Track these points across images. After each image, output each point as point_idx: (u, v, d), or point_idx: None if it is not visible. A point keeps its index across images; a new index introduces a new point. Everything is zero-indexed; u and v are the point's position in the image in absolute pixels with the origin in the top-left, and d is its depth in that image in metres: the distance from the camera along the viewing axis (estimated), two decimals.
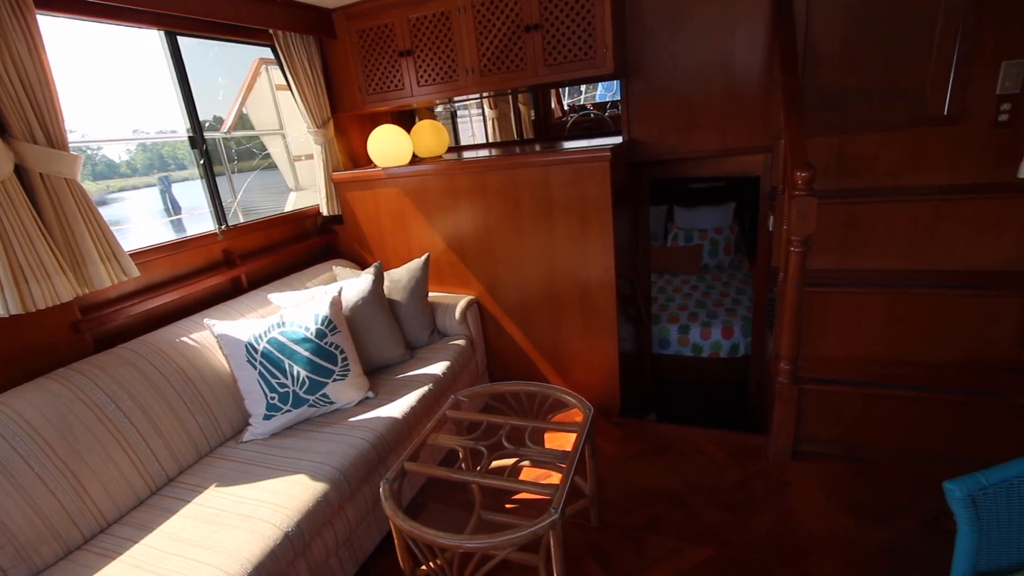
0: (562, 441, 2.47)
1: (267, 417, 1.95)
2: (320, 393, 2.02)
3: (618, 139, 2.78)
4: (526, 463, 2.14)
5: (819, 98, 2.46)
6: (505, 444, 1.74)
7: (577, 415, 1.96)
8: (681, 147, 2.76)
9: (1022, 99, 2.13)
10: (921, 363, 2.19)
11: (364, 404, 2.12)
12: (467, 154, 3.11)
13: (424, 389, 2.21)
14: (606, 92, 5.55)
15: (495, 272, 2.74)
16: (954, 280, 2.14)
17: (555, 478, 2.20)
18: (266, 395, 1.94)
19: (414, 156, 3.04)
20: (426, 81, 2.68)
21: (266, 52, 2.72)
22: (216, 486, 1.71)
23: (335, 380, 2.05)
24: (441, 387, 2.32)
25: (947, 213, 2.19)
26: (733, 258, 5.03)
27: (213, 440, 1.94)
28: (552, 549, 1.45)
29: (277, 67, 2.73)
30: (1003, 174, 2.19)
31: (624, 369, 2.73)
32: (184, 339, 2.00)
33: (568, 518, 2.00)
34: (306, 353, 2.00)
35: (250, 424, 1.97)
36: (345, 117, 3.08)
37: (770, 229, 2.62)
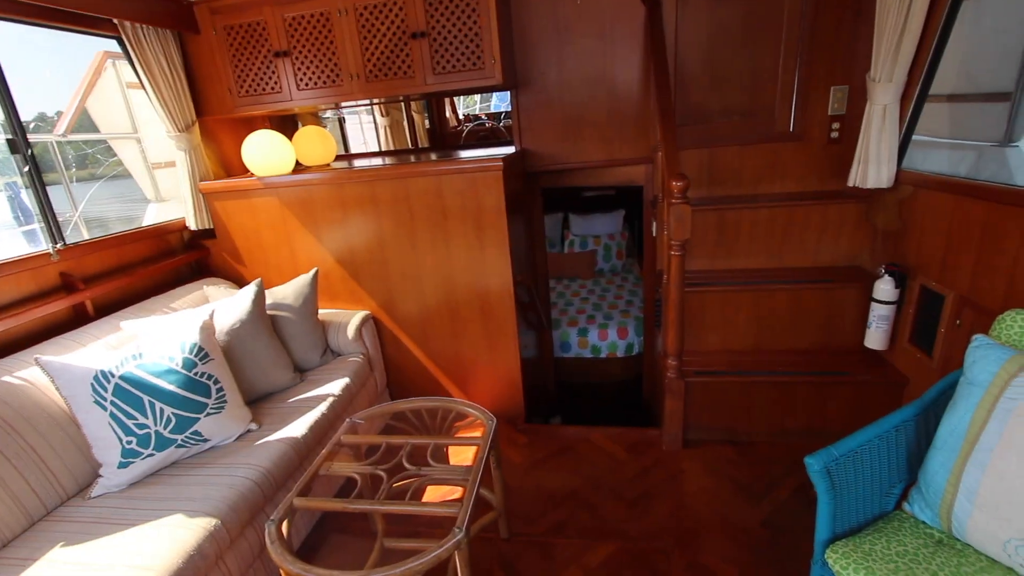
0: (467, 455, 2.42)
1: (123, 465, 1.67)
2: (191, 431, 1.78)
3: (511, 149, 2.81)
4: (430, 483, 2.06)
5: (690, 114, 2.69)
6: (406, 465, 1.66)
7: (480, 427, 1.93)
8: (570, 157, 2.86)
9: (847, 119, 2.49)
10: (785, 350, 2.46)
11: (246, 438, 1.90)
12: (358, 163, 2.96)
13: (316, 415, 2.04)
14: (500, 103, 5.65)
15: (391, 285, 2.63)
16: (806, 276, 2.44)
17: (460, 494, 2.15)
18: (120, 440, 1.67)
19: (298, 164, 2.84)
20: (306, 85, 2.51)
21: (112, 44, 2.38)
22: (55, 554, 1.42)
23: (209, 414, 1.82)
24: (336, 410, 2.16)
25: (798, 217, 2.49)
26: (625, 262, 5.34)
27: (50, 500, 1.62)
28: (459, 570, 1.39)
29: (127, 62, 2.40)
30: (837, 183, 2.55)
31: (527, 376, 2.76)
32: (5, 380, 1.66)
33: (477, 533, 1.95)
34: (172, 387, 1.76)
35: (100, 476, 1.68)
36: (214, 121, 2.79)
37: (654, 235, 2.80)
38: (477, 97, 6.21)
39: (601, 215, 5.40)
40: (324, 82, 2.50)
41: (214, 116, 2.71)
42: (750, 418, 2.36)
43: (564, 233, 5.49)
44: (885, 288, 2.14)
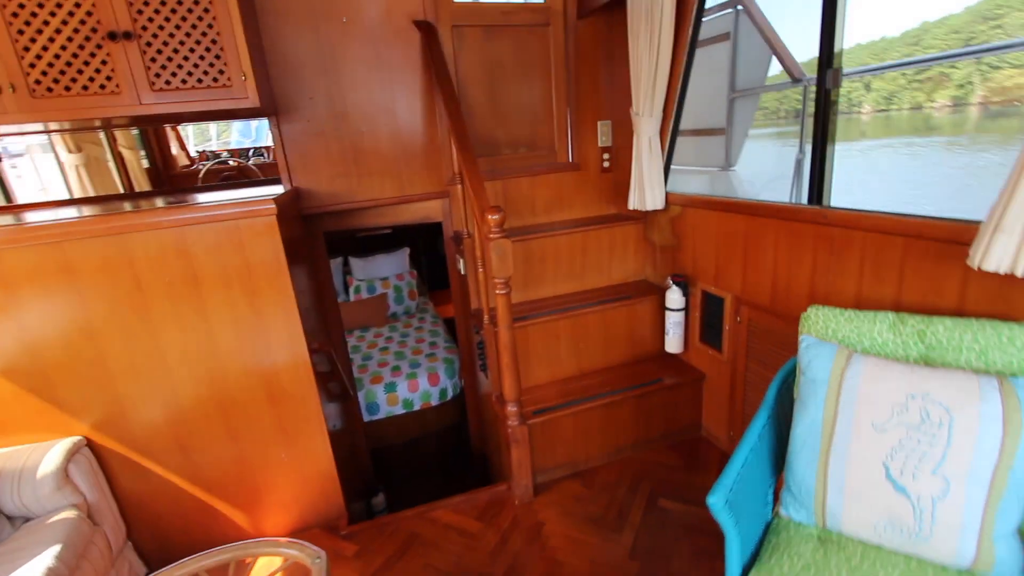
0: None
1: None
2: None
3: (279, 188, 2.28)
4: None
5: (479, 146, 2.61)
6: None
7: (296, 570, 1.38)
8: (356, 195, 2.48)
9: (615, 150, 2.75)
10: (602, 369, 2.52)
11: None
12: (33, 216, 1.98)
13: None
14: (244, 137, 4.80)
15: (115, 389, 1.79)
16: (608, 295, 2.56)
17: None
18: None
19: None
20: None
21: None
22: None
23: None
24: None
25: (591, 241, 2.61)
26: (418, 302, 5.07)
27: None
28: None
29: None
30: (616, 207, 2.78)
31: (341, 461, 2.22)
32: None
33: None
34: None
35: None
36: None
37: (462, 272, 2.61)
38: (213, 130, 5.21)
39: (385, 255, 5.04)
40: None
41: None
42: (587, 445, 2.33)
43: (347, 280, 4.93)
44: (674, 297, 2.37)
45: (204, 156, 4.50)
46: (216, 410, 1.90)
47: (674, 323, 2.41)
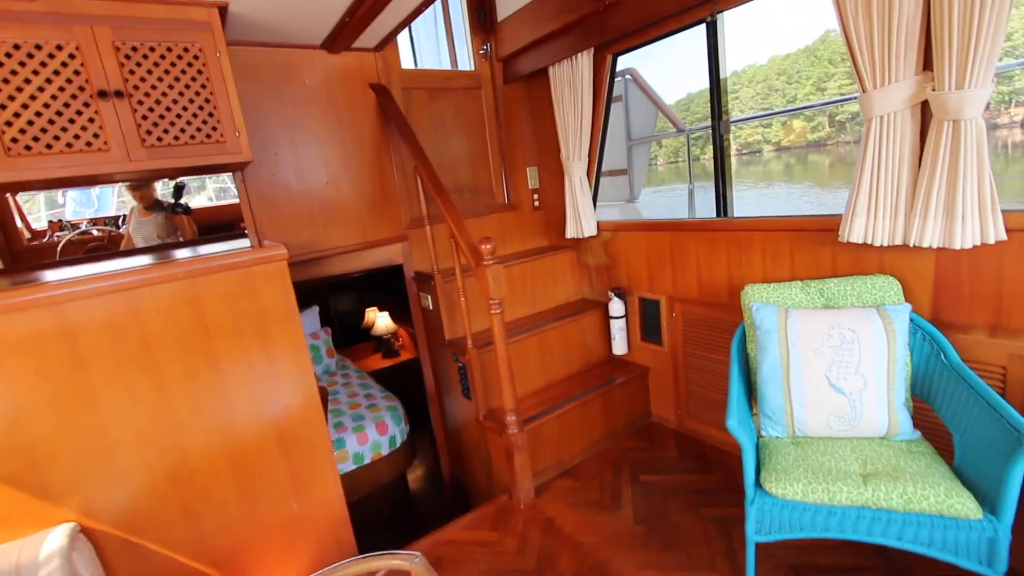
0: None
1: None
2: None
3: (244, 243, 2.29)
4: None
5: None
6: None
7: None
8: (320, 244, 2.56)
9: (542, 191, 3.22)
10: (565, 379, 2.87)
11: None
12: None
13: None
14: (82, 207, 4.36)
15: (115, 462, 1.63)
16: (558, 313, 2.95)
17: None
18: None
19: None
20: None
21: None
22: None
23: None
24: None
25: (537, 269, 3.00)
26: (337, 359, 4.92)
27: None
28: None
29: None
30: (549, 239, 3.22)
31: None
32: None
33: None
34: None
35: None
36: None
37: (430, 308, 2.79)
38: (42, 202, 4.62)
39: None
40: None
41: None
42: (569, 445, 2.63)
43: None
44: (616, 306, 2.84)
45: (57, 227, 4.01)
46: (226, 464, 1.82)
47: (619, 328, 2.87)
